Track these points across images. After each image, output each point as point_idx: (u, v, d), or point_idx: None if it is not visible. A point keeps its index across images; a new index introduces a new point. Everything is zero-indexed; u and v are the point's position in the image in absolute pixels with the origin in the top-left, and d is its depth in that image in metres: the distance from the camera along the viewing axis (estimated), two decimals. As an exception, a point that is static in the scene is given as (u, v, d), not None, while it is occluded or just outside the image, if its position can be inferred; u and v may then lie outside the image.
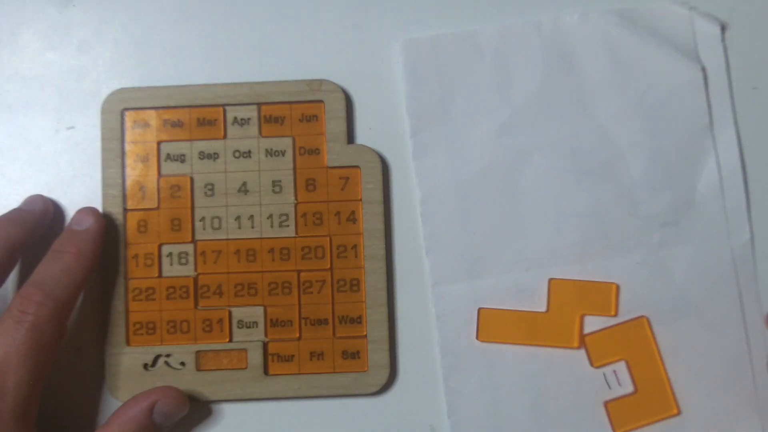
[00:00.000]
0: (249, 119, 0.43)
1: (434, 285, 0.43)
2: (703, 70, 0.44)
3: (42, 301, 0.39)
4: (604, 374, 0.43)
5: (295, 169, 0.43)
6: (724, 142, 0.44)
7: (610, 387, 0.43)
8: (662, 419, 0.42)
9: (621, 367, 0.43)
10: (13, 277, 0.43)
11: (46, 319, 0.38)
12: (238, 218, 0.43)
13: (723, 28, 0.44)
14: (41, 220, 0.43)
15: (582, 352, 0.43)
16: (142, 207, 0.43)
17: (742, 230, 0.43)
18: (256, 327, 0.43)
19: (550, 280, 0.43)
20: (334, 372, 0.42)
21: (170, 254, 0.43)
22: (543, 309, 0.43)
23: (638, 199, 0.43)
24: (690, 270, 0.43)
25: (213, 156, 0.43)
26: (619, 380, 0.43)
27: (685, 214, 0.43)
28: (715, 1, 0.44)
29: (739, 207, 0.43)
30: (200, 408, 0.43)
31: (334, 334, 0.43)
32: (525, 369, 0.43)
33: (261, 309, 0.43)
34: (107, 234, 0.42)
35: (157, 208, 0.43)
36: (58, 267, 0.40)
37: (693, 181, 0.43)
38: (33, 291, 0.39)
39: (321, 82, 0.43)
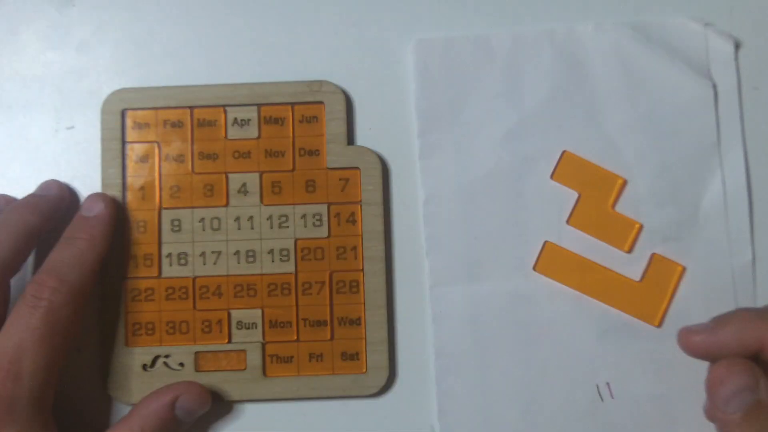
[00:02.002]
0: (249, 120, 0.43)
1: (432, 286, 0.43)
2: (714, 87, 0.44)
3: (56, 287, 0.39)
4: (597, 386, 0.42)
5: (294, 170, 0.43)
6: (730, 161, 0.43)
7: (602, 399, 0.42)
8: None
9: (615, 380, 0.43)
10: (29, 263, 0.43)
11: (60, 303, 0.39)
12: (237, 219, 0.43)
13: (737, 47, 0.44)
14: (57, 206, 0.43)
15: (577, 361, 0.43)
16: (142, 207, 0.43)
17: (744, 251, 0.43)
18: (255, 328, 0.43)
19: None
20: (333, 374, 0.42)
21: (170, 255, 0.43)
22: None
23: (642, 212, 0.43)
24: (689, 287, 0.43)
25: (213, 157, 0.43)
26: (612, 393, 0.42)
27: (687, 231, 0.43)
28: (729, 19, 0.44)
29: (743, 227, 0.43)
30: (199, 409, 0.43)
31: (333, 335, 0.43)
32: (518, 375, 0.43)
33: (260, 310, 0.43)
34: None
35: (157, 208, 0.43)
36: (70, 253, 0.40)
37: (697, 198, 0.43)
38: (47, 277, 0.39)
39: (321, 83, 0.43)
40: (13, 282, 0.40)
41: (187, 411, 0.41)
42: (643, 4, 0.45)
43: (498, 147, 0.44)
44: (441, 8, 0.45)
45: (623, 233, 0.43)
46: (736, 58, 0.44)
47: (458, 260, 0.43)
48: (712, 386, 0.38)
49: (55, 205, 0.42)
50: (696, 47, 0.44)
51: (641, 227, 0.43)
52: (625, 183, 0.43)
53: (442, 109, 0.44)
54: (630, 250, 0.43)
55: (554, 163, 0.44)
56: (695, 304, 0.43)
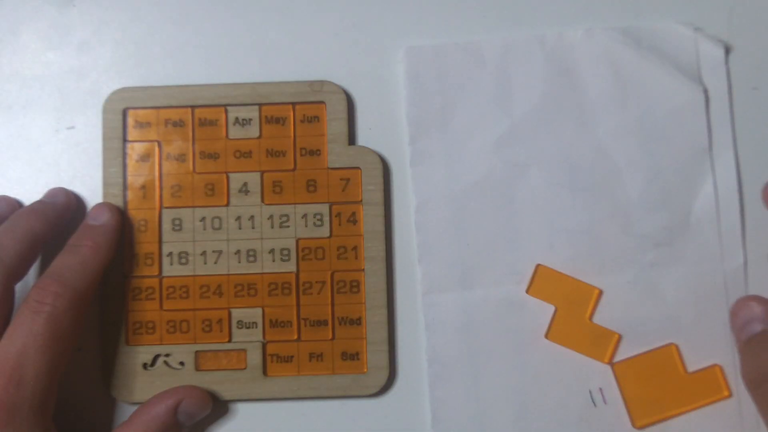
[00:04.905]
0: (250, 120, 0.43)
1: (425, 293, 0.43)
2: (705, 92, 0.44)
3: (59, 292, 0.38)
4: (590, 391, 0.43)
5: (295, 170, 0.43)
6: (722, 166, 0.43)
7: (595, 405, 0.42)
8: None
9: (607, 385, 0.43)
10: (34, 270, 0.43)
11: (63, 309, 0.38)
12: (238, 219, 0.43)
13: (727, 51, 0.44)
14: (63, 213, 0.43)
15: (569, 368, 0.43)
16: (143, 206, 0.43)
17: (736, 255, 0.43)
18: (256, 327, 0.43)
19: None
20: (333, 373, 0.42)
21: (170, 254, 0.43)
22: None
23: (633, 218, 0.43)
24: (681, 292, 0.43)
25: (214, 156, 0.43)
26: (605, 398, 0.43)
27: (679, 236, 0.43)
28: (720, 24, 0.45)
29: (734, 231, 0.43)
30: (199, 408, 0.43)
31: (333, 335, 0.43)
32: (511, 382, 0.43)
33: (260, 309, 0.43)
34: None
35: (158, 207, 0.43)
36: (74, 259, 0.40)
37: (689, 202, 0.43)
38: (50, 282, 0.39)
39: (322, 83, 0.44)
40: (18, 289, 0.40)
41: (189, 415, 0.41)
42: (633, 10, 0.45)
43: (489, 154, 0.44)
44: (445, 13, 0.45)
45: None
46: (727, 62, 0.44)
47: (450, 267, 0.43)
48: (730, 317, 0.42)
49: (62, 213, 0.42)
50: (686, 52, 0.44)
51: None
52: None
53: (433, 117, 0.44)
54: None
55: (546, 172, 0.44)
56: (687, 308, 0.43)
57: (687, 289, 0.43)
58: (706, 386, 0.42)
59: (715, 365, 0.42)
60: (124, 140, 0.43)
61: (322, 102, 0.43)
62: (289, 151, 0.43)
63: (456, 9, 0.45)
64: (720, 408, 0.42)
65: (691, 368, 0.43)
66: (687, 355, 0.43)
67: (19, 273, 0.40)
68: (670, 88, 0.44)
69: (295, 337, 0.43)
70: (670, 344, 0.43)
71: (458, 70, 0.44)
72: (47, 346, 0.38)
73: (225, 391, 0.42)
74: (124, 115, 0.43)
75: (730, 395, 0.42)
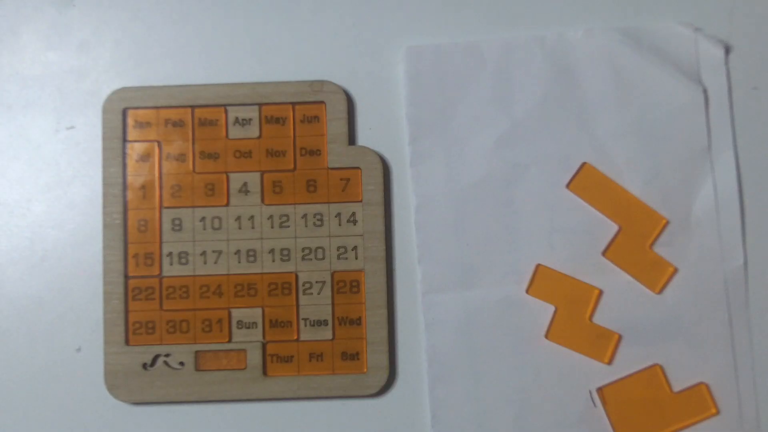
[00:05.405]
0: (250, 119, 0.43)
1: (425, 293, 0.43)
2: (705, 92, 0.44)
3: None
4: (590, 391, 0.43)
5: (295, 170, 0.43)
6: (722, 166, 0.43)
7: (595, 405, 0.42)
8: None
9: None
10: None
11: None
12: (238, 219, 0.43)
13: (727, 51, 0.44)
14: None
15: (569, 368, 0.43)
16: (143, 206, 0.43)
17: (736, 255, 0.43)
18: (256, 327, 0.43)
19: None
20: (333, 374, 0.42)
21: (170, 254, 0.43)
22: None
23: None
24: (681, 292, 0.43)
25: (214, 156, 0.43)
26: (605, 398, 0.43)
27: (679, 236, 0.43)
28: (720, 24, 0.45)
29: (734, 231, 0.43)
30: (199, 408, 0.43)
31: (333, 335, 0.43)
32: (511, 382, 0.43)
33: (260, 309, 0.43)
34: (108, 234, 0.43)
35: (158, 207, 0.43)
36: None
37: (689, 203, 0.43)
38: None
39: (322, 83, 0.44)
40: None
41: None
42: (633, 10, 0.45)
43: (489, 154, 0.44)
44: (445, 14, 0.45)
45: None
46: (727, 62, 0.44)
47: (451, 267, 0.43)
48: None
49: None
50: (686, 52, 0.44)
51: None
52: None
53: (433, 117, 0.44)
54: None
55: (546, 171, 0.44)
56: (687, 308, 0.43)
57: (687, 289, 0.43)
58: (694, 405, 0.42)
59: (701, 383, 0.42)
60: (124, 140, 0.43)
61: (322, 102, 0.43)
62: (289, 151, 0.43)
63: (456, 9, 0.45)
64: (708, 426, 0.42)
65: (677, 387, 0.42)
66: (674, 373, 0.43)
67: None
68: (670, 88, 0.44)
69: (295, 337, 0.43)
70: (655, 365, 0.43)
71: (458, 70, 0.44)
72: None
73: (225, 391, 0.42)
74: (124, 115, 0.43)
75: (717, 413, 0.42)
